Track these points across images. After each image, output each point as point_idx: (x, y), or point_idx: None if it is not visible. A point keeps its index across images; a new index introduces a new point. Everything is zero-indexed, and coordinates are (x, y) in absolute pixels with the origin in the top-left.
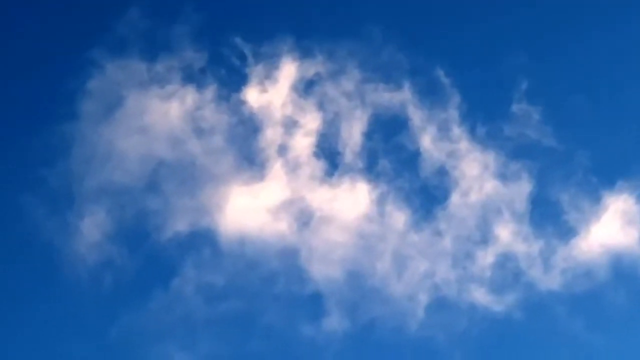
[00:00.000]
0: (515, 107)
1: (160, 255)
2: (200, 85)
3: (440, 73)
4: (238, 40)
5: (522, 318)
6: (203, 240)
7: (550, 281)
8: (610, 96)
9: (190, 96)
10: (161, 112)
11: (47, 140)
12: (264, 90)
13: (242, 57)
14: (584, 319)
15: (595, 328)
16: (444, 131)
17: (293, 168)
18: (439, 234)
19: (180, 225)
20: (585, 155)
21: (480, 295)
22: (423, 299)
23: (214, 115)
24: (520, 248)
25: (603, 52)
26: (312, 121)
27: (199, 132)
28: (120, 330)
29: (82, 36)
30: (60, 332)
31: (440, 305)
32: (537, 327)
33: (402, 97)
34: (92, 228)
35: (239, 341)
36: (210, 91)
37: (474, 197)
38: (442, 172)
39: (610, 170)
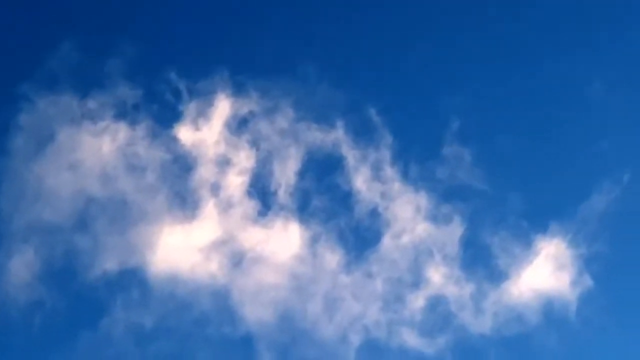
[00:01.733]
0: (446, 149)
1: (89, 295)
2: (133, 122)
3: (372, 113)
4: (173, 75)
5: None
6: (133, 279)
7: (481, 325)
8: (543, 139)
9: (122, 133)
10: (93, 149)
11: None
12: (198, 128)
13: (177, 93)
14: None
15: None
16: (376, 171)
17: (225, 207)
18: (370, 275)
19: (110, 264)
20: (516, 199)
21: (411, 338)
22: (354, 341)
23: (146, 153)
24: (452, 291)
25: (535, 94)
26: (245, 159)
27: (131, 169)
28: None
29: (12, 70)
30: None
31: (371, 348)
32: None
33: (335, 136)
34: (20, 267)
35: None
36: (143, 128)
37: (405, 239)
38: (374, 213)
39: (542, 214)
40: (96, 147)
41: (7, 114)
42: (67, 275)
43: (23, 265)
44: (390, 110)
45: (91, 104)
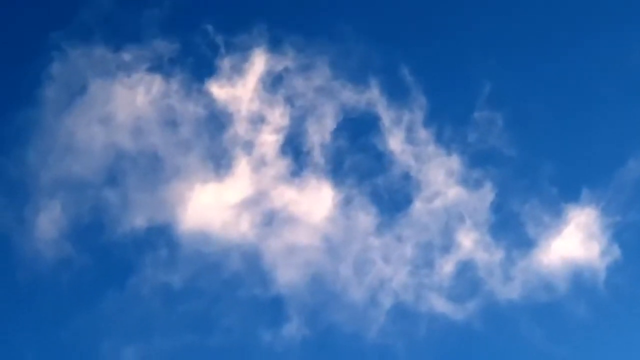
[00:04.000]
0: (477, 113)
1: (117, 252)
2: (168, 75)
3: (406, 73)
4: (210, 28)
5: (482, 327)
6: (162, 237)
7: (510, 291)
8: (578, 102)
9: (156, 86)
10: (125, 102)
11: (3, 127)
12: (233, 83)
13: (213, 47)
14: (544, 329)
15: (555, 338)
16: (409, 133)
17: (258, 165)
18: (401, 239)
19: (139, 221)
20: (549, 165)
21: (440, 303)
22: (383, 305)
23: (180, 107)
24: (481, 257)
25: (570, 57)
26: (279, 117)
27: (164, 123)
28: (73, 331)
29: (45, 19)
30: (13, 330)
31: (399, 312)
32: (497, 337)
33: (370, 96)
34: (48, 223)
35: (195, 346)
36: (178, 81)
37: (437, 202)
38: (407, 175)
39: (574, 181)
40: (129, 100)
41: (38, 64)
42: (96, 232)
43: (51, 220)
44: (424, 72)
45: (125, 56)
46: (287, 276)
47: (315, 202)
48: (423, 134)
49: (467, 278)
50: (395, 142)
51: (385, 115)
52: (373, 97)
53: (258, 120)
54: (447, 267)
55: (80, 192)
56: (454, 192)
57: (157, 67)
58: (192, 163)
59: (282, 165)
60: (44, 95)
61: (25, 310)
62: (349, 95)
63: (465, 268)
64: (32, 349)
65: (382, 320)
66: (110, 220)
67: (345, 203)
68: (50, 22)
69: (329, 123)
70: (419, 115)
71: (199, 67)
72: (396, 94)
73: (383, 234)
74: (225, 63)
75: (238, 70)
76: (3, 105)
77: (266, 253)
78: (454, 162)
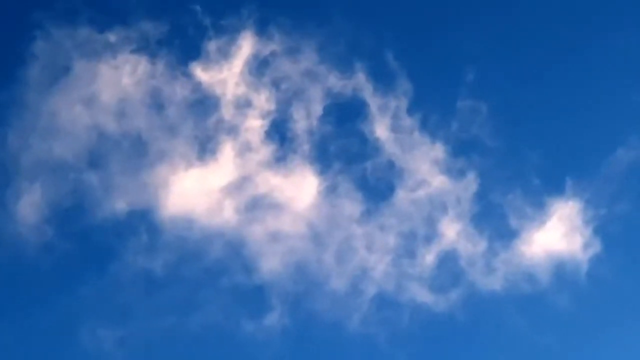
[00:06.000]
0: (461, 102)
1: (98, 236)
2: (153, 57)
3: (391, 59)
4: (198, 9)
5: (464, 317)
6: (144, 222)
7: (492, 282)
8: (567, 90)
9: (141, 68)
10: (110, 83)
11: None
12: (220, 67)
13: (201, 29)
14: (526, 320)
15: (538, 329)
16: (395, 120)
17: (243, 151)
18: (384, 228)
19: (120, 205)
20: (534, 155)
21: (422, 293)
22: (365, 295)
23: (165, 90)
24: (463, 247)
25: (555, 49)
26: (265, 102)
27: (148, 106)
28: (53, 315)
29: None
30: None
31: (381, 302)
32: (479, 327)
33: (356, 82)
34: (29, 206)
35: (175, 333)
36: (163, 64)
37: (420, 192)
38: (391, 163)
39: (558, 173)
40: (114, 81)
41: (21, 43)
42: (77, 216)
43: (32, 204)
44: (409, 58)
45: (111, 37)
46: (269, 264)
47: (300, 188)
48: (408, 121)
49: (449, 268)
50: (380, 129)
51: (372, 101)
52: (359, 82)
53: (244, 105)
54: (429, 257)
55: (62, 175)
56: (437, 182)
57: (143, 48)
58: (176, 147)
59: (267, 150)
60: (27, 75)
61: (6, 294)
62: (335, 81)
63: (448, 258)
64: (12, 333)
65: (364, 310)
66: (91, 204)
67: (330, 190)
68: (33, 1)
69: (315, 108)
70: (404, 102)
71: (185, 49)
72: (382, 80)
73: (366, 222)
74: (212, 45)
75: (225, 53)
76: None
77: (249, 240)
78: (438, 150)
